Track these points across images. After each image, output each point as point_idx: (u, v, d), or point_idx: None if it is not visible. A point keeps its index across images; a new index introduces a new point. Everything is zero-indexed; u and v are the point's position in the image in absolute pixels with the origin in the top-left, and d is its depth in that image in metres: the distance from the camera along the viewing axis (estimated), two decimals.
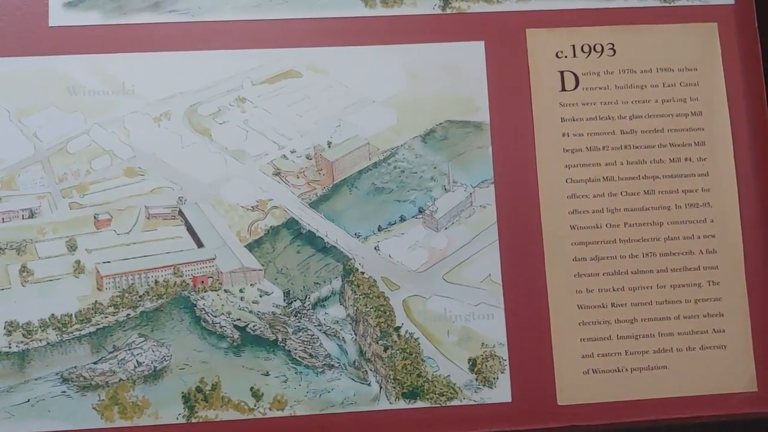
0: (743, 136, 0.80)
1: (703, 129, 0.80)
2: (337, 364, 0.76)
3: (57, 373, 0.74)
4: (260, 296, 0.76)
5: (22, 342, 0.74)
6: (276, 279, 0.77)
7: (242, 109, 0.79)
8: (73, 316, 0.74)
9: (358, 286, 0.77)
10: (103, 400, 0.74)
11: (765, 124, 0.80)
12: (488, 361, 0.76)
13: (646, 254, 0.78)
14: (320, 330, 0.76)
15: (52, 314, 0.74)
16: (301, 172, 0.79)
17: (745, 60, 0.81)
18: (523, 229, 0.78)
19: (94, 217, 0.76)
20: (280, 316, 0.76)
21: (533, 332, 0.77)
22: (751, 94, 0.80)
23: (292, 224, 0.78)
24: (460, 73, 0.79)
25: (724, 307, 0.78)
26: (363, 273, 0.77)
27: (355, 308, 0.77)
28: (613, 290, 0.78)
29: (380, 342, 0.76)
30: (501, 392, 0.76)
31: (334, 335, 0.76)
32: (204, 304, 0.76)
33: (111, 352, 0.74)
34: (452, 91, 0.79)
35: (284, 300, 0.76)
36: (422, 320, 0.77)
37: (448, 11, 0.80)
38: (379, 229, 0.78)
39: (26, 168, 0.76)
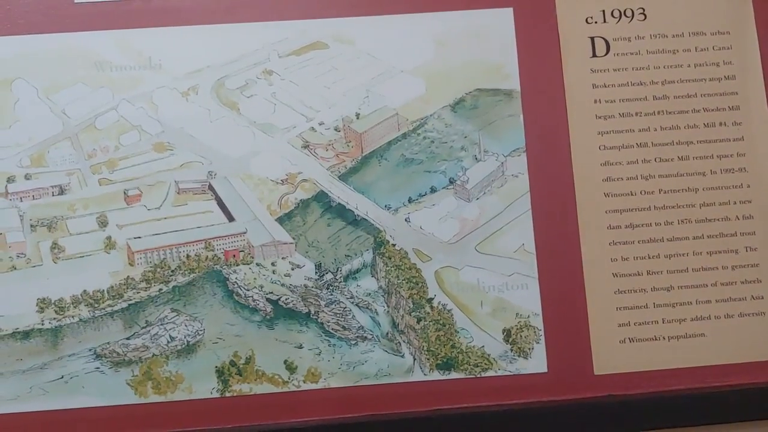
0: None
1: (737, 93, 0.79)
2: (370, 336, 0.75)
3: (90, 349, 0.73)
4: (292, 269, 0.75)
5: (54, 319, 0.74)
6: (307, 252, 0.76)
7: (269, 82, 0.78)
8: (105, 291, 0.74)
9: (390, 258, 0.76)
10: (137, 375, 0.73)
11: None
12: (523, 331, 0.75)
13: (682, 221, 0.77)
14: (352, 302, 0.76)
15: (84, 290, 0.74)
16: (329, 145, 0.78)
17: None
18: (557, 198, 0.77)
19: (124, 193, 0.76)
20: (312, 289, 0.75)
21: (568, 302, 0.76)
22: None
23: (321, 197, 0.77)
24: (489, 40, 0.78)
25: (763, 274, 0.76)
26: (394, 245, 0.76)
27: (386, 280, 0.76)
28: (649, 258, 0.76)
29: (413, 314, 0.75)
30: (536, 362, 0.75)
31: (367, 307, 0.76)
32: (236, 278, 0.75)
33: (144, 328, 0.74)
34: (481, 59, 0.78)
35: (316, 273, 0.76)
36: (455, 291, 0.76)
37: None
38: (410, 200, 0.77)
39: (55, 144, 0.76)
